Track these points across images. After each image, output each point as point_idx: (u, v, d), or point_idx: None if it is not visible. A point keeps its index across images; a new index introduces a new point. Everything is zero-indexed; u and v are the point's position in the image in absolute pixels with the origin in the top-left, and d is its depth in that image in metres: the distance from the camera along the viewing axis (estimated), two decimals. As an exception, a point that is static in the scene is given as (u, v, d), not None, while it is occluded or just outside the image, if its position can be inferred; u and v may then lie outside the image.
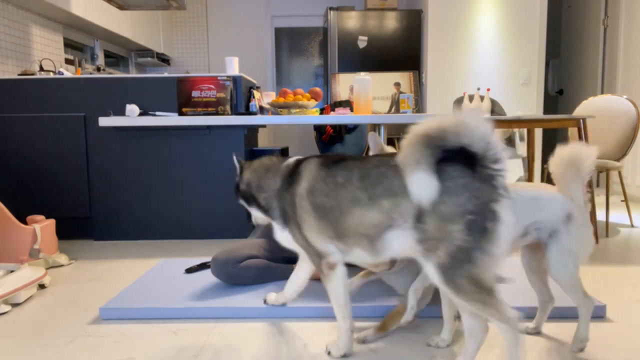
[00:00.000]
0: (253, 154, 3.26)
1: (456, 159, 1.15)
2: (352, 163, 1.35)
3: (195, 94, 2.78)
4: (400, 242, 1.25)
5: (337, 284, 1.39)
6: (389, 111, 4.49)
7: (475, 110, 1.20)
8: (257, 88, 3.28)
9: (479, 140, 1.13)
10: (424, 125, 1.14)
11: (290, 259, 1.98)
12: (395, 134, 4.80)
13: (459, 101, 3.83)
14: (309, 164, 1.44)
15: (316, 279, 1.91)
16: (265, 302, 1.78)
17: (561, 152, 1.41)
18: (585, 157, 1.37)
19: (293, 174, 1.45)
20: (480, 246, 1.12)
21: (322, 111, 3.40)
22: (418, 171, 1.12)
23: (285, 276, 1.91)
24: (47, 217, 2.60)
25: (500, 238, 1.12)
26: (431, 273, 1.19)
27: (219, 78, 2.79)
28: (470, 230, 1.12)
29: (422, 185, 1.12)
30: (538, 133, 4.79)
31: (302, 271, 1.71)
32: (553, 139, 6.10)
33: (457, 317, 1.62)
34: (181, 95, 2.79)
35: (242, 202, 1.62)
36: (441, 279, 1.17)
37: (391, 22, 4.91)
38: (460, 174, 1.15)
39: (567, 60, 5.87)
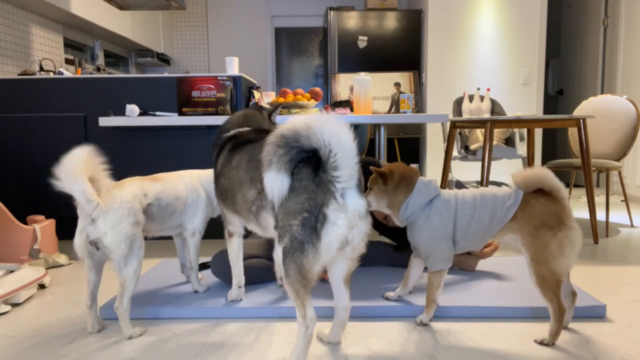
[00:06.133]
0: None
1: (311, 160, 1.26)
2: (248, 147, 1.55)
3: (195, 94, 2.78)
4: (271, 223, 1.40)
5: (231, 248, 1.76)
6: (389, 111, 4.49)
7: (329, 116, 1.24)
8: (257, 88, 3.28)
9: (323, 147, 1.22)
10: (283, 126, 1.25)
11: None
12: (395, 134, 4.81)
13: (459, 101, 3.83)
14: (226, 145, 1.66)
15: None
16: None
17: None
18: None
19: (221, 149, 1.69)
20: (311, 240, 1.25)
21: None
22: (270, 171, 1.24)
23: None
24: (47, 217, 2.60)
25: (327, 236, 1.25)
26: (279, 253, 1.31)
27: (219, 78, 2.79)
28: (304, 226, 1.25)
29: (272, 184, 1.25)
30: (538, 133, 4.79)
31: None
32: (553, 139, 6.10)
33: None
34: (181, 95, 2.79)
35: None
36: (282, 260, 1.30)
37: (391, 22, 4.91)
38: (306, 176, 1.26)
39: (567, 60, 5.87)
